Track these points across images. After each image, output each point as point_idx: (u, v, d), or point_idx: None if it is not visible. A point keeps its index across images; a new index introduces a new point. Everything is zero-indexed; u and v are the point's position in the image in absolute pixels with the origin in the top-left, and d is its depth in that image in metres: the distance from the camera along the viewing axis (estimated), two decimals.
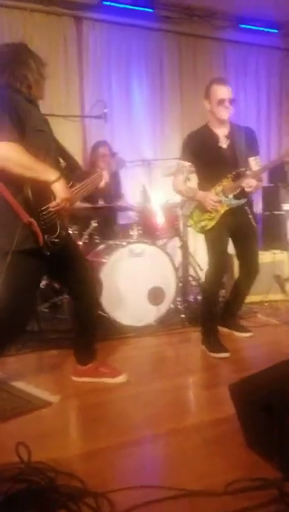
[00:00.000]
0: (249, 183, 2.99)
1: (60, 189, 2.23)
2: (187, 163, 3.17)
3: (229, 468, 1.76)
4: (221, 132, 3.11)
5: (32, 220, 2.16)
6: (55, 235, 2.26)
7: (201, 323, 3.29)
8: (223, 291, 3.70)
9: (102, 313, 3.50)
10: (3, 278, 2.20)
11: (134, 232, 3.95)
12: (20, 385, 2.62)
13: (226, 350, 3.05)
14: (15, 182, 2.16)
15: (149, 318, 3.70)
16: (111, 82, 5.22)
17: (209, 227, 3.11)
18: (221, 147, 3.10)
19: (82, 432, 2.18)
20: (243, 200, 3.11)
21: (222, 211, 3.08)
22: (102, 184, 2.58)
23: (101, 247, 3.86)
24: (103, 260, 3.61)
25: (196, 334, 3.42)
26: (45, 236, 2.21)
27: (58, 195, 2.23)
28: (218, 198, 3.06)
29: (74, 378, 2.68)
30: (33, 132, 2.22)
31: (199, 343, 3.21)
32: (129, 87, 5.34)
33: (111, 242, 3.88)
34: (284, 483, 1.54)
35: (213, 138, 3.11)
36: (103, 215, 4.12)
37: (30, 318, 2.71)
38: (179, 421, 2.22)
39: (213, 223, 3.10)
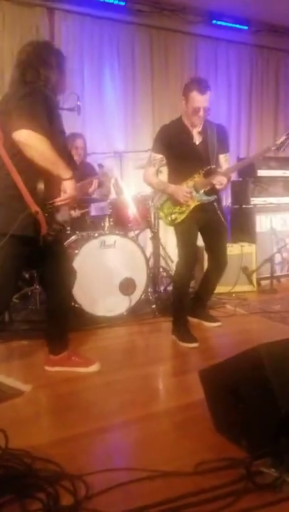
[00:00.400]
0: (220, 181, 3.07)
1: (70, 187, 2.34)
2: (159, 156, 3.22)
3: (198, 450, 1.84)
4: (195, 129, 3.17)
5: (39, 210, 2.26)
6: (51, 228, 2.35)
7: (171, 314, 3.37)
8: (193, 282, 3.78)
9: (74, 304, 3.53)
10: None
11: (106, 224, 4.00)
12: None
13: (195, 340, 3.14)
14: (28, 171, 2.24)
15: (121, 309, 3.76)
16: (83, 74, 5.21)
17: (179, 220, 3.18)
18: (194, 143, 3.16)
19: (55, 420, 2.23)
20: (213, 197, 3.19)
21: (192, 206, 3.15)
22: (90, 190, 2.67)
23: (73, 238, 3.88)
24: (75, 251, 3.63)
25: (166, 324, 3.50)
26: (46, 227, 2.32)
27: (68, 192, 2.33)
28: (190, 191, 3.12)
29: (47, 368, 2.72)
30: (57, 133, 2.33)
31: (169, 333, 3.30)
32: (101, 80, 5.34)
33: (83, 233, 3.90)
34: (251, 462, 1.63)
35: (187, 133, 3.16)
36: (74, 207, 4.14)
37: (9, 303, 2.74)
38: (149, 407, 2.30)
39: (183, 217, 3.16)
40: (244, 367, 1.81)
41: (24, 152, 2.20)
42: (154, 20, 5.48)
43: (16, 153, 2.23)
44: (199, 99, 3.03)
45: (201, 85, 3.04)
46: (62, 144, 2.42)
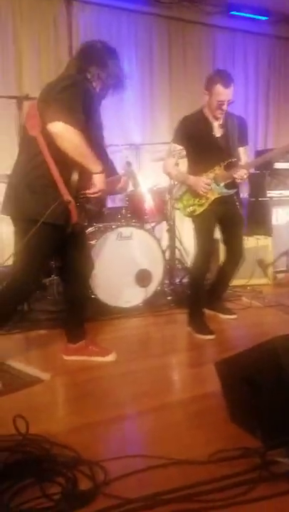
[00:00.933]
0: (241, 175, 3.06)
1: (100, 180, 2.38)
2: (179, 147, 3.21)
3: (213, 440, 1.86)
4: (216, 121, 3.16)
5: (71, 199, 2.33)
6: (80, 218, 2.42)
7: (187, 306, 3.39)
8: (208, 274, 3.79)
9: (91, 295, 3.57)
10: (26, 243, 2.34)
11: (123, 216, 4.02)
12: (11, 363, 2.69)
13: (211, 333, 3.16)
14: (62, 161, 2.29)
15: (137, 300, 3.79)
16: None
17: (198, 212, 3.18)
18: (214, 135, 3.15)
19: (73, 408, 2.28)
20: (233, 191, 3.18)
21: (212, 198, 3.14)
22: (118, 188, 2.71)
23: (90, 229, 3.91)
24: (92, 243, 3.67)
25: (181, 316, 3.52)
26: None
27: (98, 186, 2.37)
28: (210, 182, 3.12)
29: (65, 357, 2.77)
30: (94, 128, 2.38)
31: (185, 325, 3.32)
32: None
33: (100, 225, 3.93)
34: (265, 452, 1.65)
35: (208, 125, 3.15)
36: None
37: (38, 288, 2.83)
38: (165, 397, 2.33)
39: (202, 209, 3.16)
40: (260, 358, 1.82)
41: (57, 143, 2.24)
42: (172, 11, 5.46)
43: (52, 142, 2.27)
44: (224, 93, 3.01)
45: (226, 78, 3.02)
46: (98, 138, 2.46)
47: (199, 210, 3.17)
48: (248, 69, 6.10)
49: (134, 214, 4.06)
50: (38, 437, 1.80)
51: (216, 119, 3.14)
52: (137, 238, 3.82)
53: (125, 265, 3.76)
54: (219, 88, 3.01)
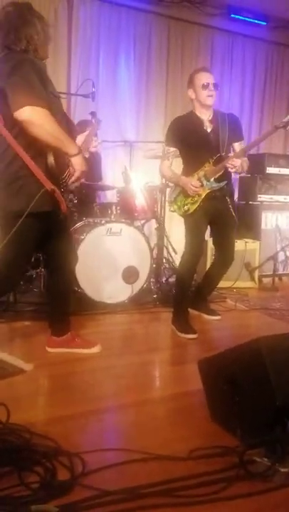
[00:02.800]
0: (233, 163, 3.04)
1: (79, 162, 2.30)
2: (172, 149, 3.24)
3: (193, 437, 1.88)
4: (206, 117, 3.19)
5: (54, 187, 2.24)
6: (67, 200, 2.36)
7: (173, 304, 3.40)
8: (195, 275, 3.81)
9: (78, 289, 3.57)
10: (11, 235, 2.25)
11: (113, 212, 4.02)
12: None
13: (194, 332, 3.18)
14: (34, 148, 2.20)
15: (122, 296, 3.79)
16: (99, 61, 5.22)
17: (192, 210, 3.19)
18: (205, 131, 3.17)
19: (53, 399, 2.27)
20: (223, 183, 3.18)
21: (203, 194, 3.16)
22: (93, 144, 2.63)
23: (79, 224, 3.91)
24: (81, 237, 3.66)
25: (166, 314, 3.54)
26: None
27: (77, 168, 2.31)
28: (199, 184, 3.14)
29: (48, 349, 2.76)
30: (51, 97, 2.26)
31: (169, 323, 3.33)
32: (116, 67, 5.34)
33: (90, 219, 3.93)
34: (244, 451, 1.67)
35: (198, 122, 3.18)
36: (83, 193, 4.16)
37: (21, 277, 2.78)
38: (146, 392, 2.34)
39: (195, 206, 3.18)
40: (243, 358, 1.84)
41: (29, 130, 2.14)
42: (172, 11, 5.47)
43: (20, 133, 2.18)
44: (205, 76, 3.13)
45: (201, 67, 3.22)
46: (59, 108, 2.37)
47: (193, 207, 3.19)
48: (245, 72, 6.13)
49: (125, 210, 4.06)
50: (18, 426, 1.80)
51: (207, 109, 3.17)
52: (126, 235, 3.82)
53: (113, 261, 3.76)
54: (200, 74, 3.14)
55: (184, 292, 3.35)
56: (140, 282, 3.87)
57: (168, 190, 3.77)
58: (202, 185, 3.14)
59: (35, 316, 3.38)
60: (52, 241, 2.57)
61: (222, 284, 4.12)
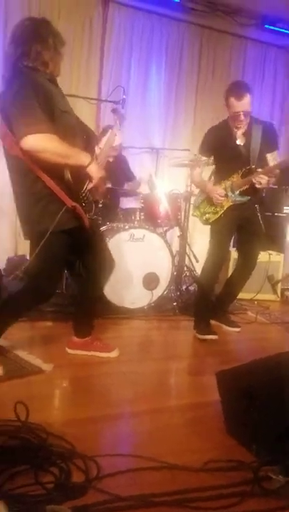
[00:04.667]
0: (259, 180, 3.04)
1: (95, 170, 2.33)
2: (203, 158, 3.30)
3: (207, 449, 1.87)
4: (239, 130, 3.18)
5: (76, 204, 2.29)
6: (92, 213, 2.41)
7: (194, 311, 3.41)
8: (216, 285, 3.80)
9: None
10: (41, 253, 2.31)
11: (137, 218, 4.04)
12: (14, 350, 2.71)
13: (214, 333, 3.20)
14: (53, 169, 2.24)
15: (142, 302, 3.80)
16: (130, 68, 5.26)
17: (212, 220, 3.22)
18: (235, 144, 3.18)
19: (71, 401, 2.29)
20: (246, 198, 3.19)
21: (226, 206, 3.18)
22: (116, 142, 2.64)
23: (103, 228, 3.94)
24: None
25: (185, 322, 3.54)
26: (87, 215, 2.36)
27: (94, 176, 2.34)
28: (225, 193, 3.15)
29: (68, 350, 2.79)
30: (60, 114, 2.28)
31: (188, 331, 3.34)
32: (147, 74, 5.37)
33: (113, 224, 3.96)
34: (259, 467, 1.65)
35: (230, 134, 3.19)
36: (107, 197, 4.19)
37: (56, 289, 2.82)
38: (163, 401, 2.35)
39: (216, 217, 3.20)
40: (262, 373, 1.83)
41: (36, 157, 2.18)
42: (205, 20, 5.48)
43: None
44: (237, 105, 3.07)
45: (238, 91, 3.07)
46: (70, 123, 2.36)
47: (213, 217, 3.22)
48: (276, 83, 6.09)
49: (148, 217, 4.08)
50: (36, 426, 1.82)
51: (238, 128, 3.17)
52: (149, 241, 3.84)
53: (134, 267, 3.78)
54: (232, 101, 3.08)
55: (206, 298, 3.36)
56: (160, 289, 3.88)
57: (192, 198, 3.78)
58: (226, 196, 3.15)
59: (57, 317, 3.41)
60: (85, 252, 2.62)
61: (243, 295, 4.10)
